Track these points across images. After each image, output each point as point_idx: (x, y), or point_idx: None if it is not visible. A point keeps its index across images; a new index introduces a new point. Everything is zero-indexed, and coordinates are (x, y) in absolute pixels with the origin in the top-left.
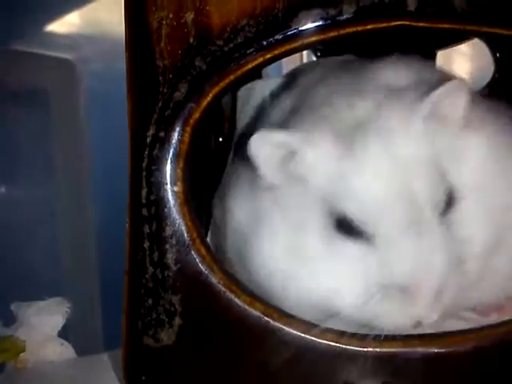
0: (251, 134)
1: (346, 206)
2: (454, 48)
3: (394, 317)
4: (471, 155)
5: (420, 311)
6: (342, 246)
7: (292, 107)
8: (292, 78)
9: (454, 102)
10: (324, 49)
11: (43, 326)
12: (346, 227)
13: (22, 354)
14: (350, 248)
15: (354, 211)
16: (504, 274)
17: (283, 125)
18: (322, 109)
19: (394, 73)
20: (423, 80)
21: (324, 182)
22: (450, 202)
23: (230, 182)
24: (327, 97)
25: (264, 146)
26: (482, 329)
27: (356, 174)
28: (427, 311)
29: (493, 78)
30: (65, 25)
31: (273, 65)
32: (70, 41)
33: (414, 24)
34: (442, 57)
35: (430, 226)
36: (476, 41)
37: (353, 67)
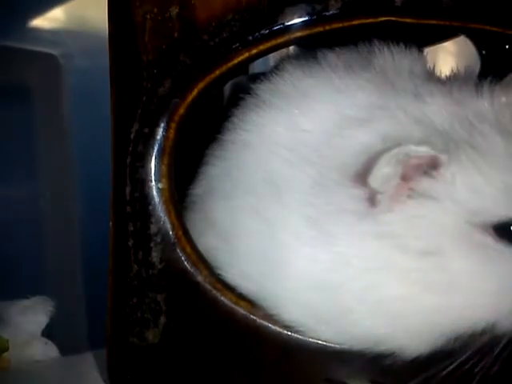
0: None
1: (506, 211)
2: (440, 45)
3: None
4: None
5: None
6: (505, 256)
7: (355, 100)
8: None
9: None
10: (310, 44)
11: (27, 324)
12: (507, 236)
13: (5, 354)
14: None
15: None
16: None
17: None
18: (384, 99)
19: (411, 59)
20: None
21: (466, 193)
22: None
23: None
24: (379, 85)
25: (391, 163)
26: None
27: (505, 172)
28: None
29: (478, 75)
30: (49, 20)
31: (260, 60)
32: (54, 36)
33: (401, 20)
34: (427, 54)
35: None
36: (462, 38)
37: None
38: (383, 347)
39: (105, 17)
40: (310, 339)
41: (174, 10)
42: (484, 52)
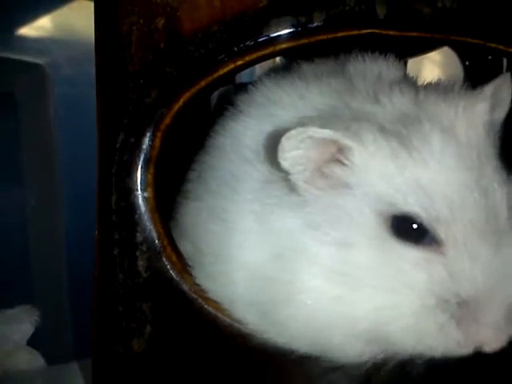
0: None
1: (411, 205)
2: (425, 56)
3: (454, 340)
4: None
5: (486, 333)
6: (399, 253)
7: (314, 104)
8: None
9: (505, 100)
10: (295, 55)
11: (12, 334)
12: (404, 232)
13: None
14: (409, 255)
15: (421, 210)
16: None
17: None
18: (339, 101)
19: (387, 67)
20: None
21: (378, 182)
22: None
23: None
24: (340, 89)
25: (298, 146)
26: None
27: (424, 167)
28: (495, 334)
29: (462, 86)
30: (35, 29)
31: (246, 70)
32: (40, 45)
33: (384, 32)
34: (412, 64)
35: (506, 236)
36: (446, 49)
37: (343, 66)
38: (315, 347)
39: (91, 26)
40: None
41: (160, 22)
42: (467, 63)
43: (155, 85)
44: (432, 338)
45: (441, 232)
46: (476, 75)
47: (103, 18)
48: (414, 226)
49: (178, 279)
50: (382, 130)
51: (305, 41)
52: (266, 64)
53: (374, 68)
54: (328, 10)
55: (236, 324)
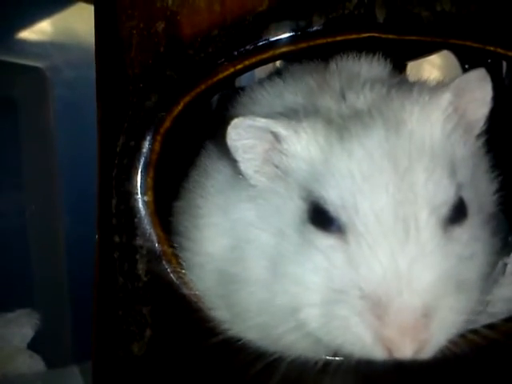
0: None
1: (324, 190)
2: (425, 59)
3: (354, 333)
4: (482, 180)
5: (392, 336)
6: (312, 240)
7: (287, 102)
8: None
9: (479, 95)
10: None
11: (12, 337)
12: (320, 219)
13: None
14: (319, 242)
15: (331, 195)
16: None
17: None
18: (310, 99)
19: (370, 66)
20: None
21: (307, 170)
22: (459, 214)
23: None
24: (314, 88)
25: (244, 136)
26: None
27: (347, 158)
28: (401, 339)
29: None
30: (36, 33)
31: (246, 74)
32: (40, 49)
33: (383, 36)
34: (412, 67)
35: (424, 229)
36: (446, 52)
37: (327, 66)
38: (267, 338)
39: (91, 30)
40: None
41: (160, 26)
42: (467, 66)
43: (155, 88)
44: (337, 331)
45: (344, 220)
46: None
47: (103, 22)
48: (324, 212)
49: (177, 283)
50: (329, 123)
51: (304, 45)
52: (267, 68)
53: (353, 67)
54: (327, 14)
55: None
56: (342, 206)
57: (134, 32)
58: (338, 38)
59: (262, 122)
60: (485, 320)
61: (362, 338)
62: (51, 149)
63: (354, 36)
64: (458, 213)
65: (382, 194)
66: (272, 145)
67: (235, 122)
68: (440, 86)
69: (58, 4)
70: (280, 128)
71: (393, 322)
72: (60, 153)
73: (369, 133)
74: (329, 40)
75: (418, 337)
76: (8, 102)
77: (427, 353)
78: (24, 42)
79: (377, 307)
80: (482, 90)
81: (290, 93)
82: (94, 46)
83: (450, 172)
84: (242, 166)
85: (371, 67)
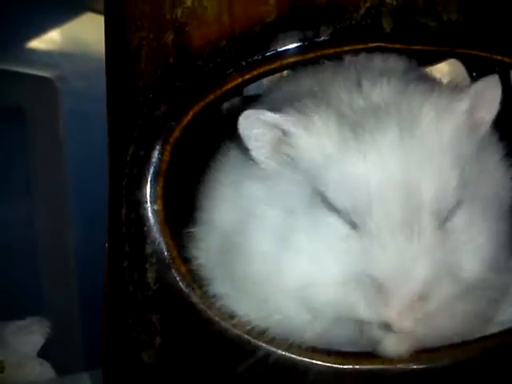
0: None
1: (335, 194)
2: (434, 67)
3: (366, 311)
4: (490, 170)
5: (391, 314)
6: (328, 222)
7: (291, 94)
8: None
9: (491, 101)
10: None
11: (22, 345)
12: (334, 207)
13: (1, 374)
14: (335, 226)
15: (343, 199)
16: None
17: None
18: (324, 94)
19: (386, 59)
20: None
21: (317, 166)
22: (455, 208)
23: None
24: (330, 83)
25: (256, 125)
26: (458, 345)
27: (354, 160)
28: (399, 316)
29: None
30: (45, 43)
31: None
32: (49, 59)
33: (390, 45)
34: None
35: (424, 230)
36: (453, 61)
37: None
38: (267, 316)
39: (100, 39)
40: (305, 359)
41: (170, 37)
42: (474, 74)
43: (164, 99)
44: (346, 310)
45: (357, 220)
46: None
47: (113, 33)
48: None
49: (187, 291)
50: (341, 116)
51: (312, 55)
52: (275, 77)
53: (368, 60)
54: (334, 24)
55: (245, 335)
56: (354, 210)
57: (144, 43)
58: (346, 48)
59: (271, 117)
60: (494, 328)
61: (367, 318)
62: (61, 158)
63: (361, 46)
64: (455, 208)
65: (393, 201)
66: (281, 138)
67: (246, 113)
68: (458, 92)
69: (67, 14)
70: (289, 125)
71: (397, 306)
72: (69, 162)
73: (383, 133)
74: (336, 50)
75: (416, 317)
76: (17, 111)
77: (422, 329)
78: (33, 51)
79: (384, 295)
80: (494, 96)
81: (309, 79)
82: (103, 56)
83: (455, 177)
84: (253, 153)
85: (387, 60)
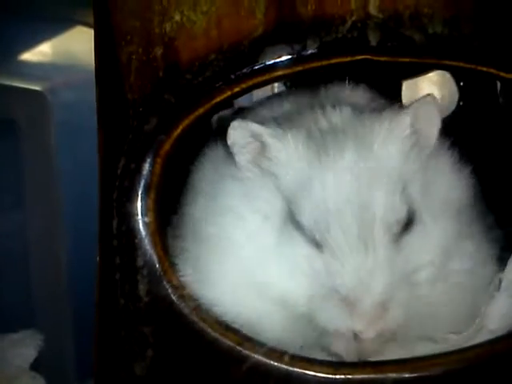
0: None
1: (300, 210)
2: (424, 76)
3: (335, 322)
4: (438, 184)
5: (357, 324)
6: (295, 242)
7: (275, 112)
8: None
9: (431, 117)
10: (293, 80)
11: (15, 358)
12: (298, 225)
13: None
14: (301, 245)
15: (306, 216)
16: (451, 301)
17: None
18: (299, 116)
19: (355, 94)
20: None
21: (288, 180)
22: (408, 224)
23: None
24: (301, 107)
25: (242, 135)
26: (451, 353)
27: (316, 180)
28: (364, 326)
29: (457, 105)
30: (35, 55)
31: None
32: (40, 71)
33: (376, 58)
34: (409, 84)
35: (378, 244)
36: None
37: (317, 91)
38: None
39: (91, 52)
40: (297, 369)
41: (159, 51)
42: (461, 83)
43: (154, 112)
44: (318, 321)
45: (319, 238)
46: (470, 95)
47: (103, 48)
48: (301, 227)
49: (178, 303)
50: (309, 135)
51: (300, 68)
52: (265, 90)
53: (339, 92)
54: (321, 37)
55: (237, 347)
56: (316, 228)
57: (134, 57)
58: (333, 61)
59: (254, 127)
60: (484, 337)
61: (338, 326)
62: (52, 170)
63: (348, 59)
64: (408, 223)
65: (349, 218)
66: (261, 149)
67: (235, 122)
68: (402, 110)
69: (58, 27)
70: (267, 136)
71: (359, 317)
72: (62, 174)
73: (341, 156)
74: (323, 63)
75: (380, 326)
76: (9, 124)
77: (386, 334)
78: (24, 64)
79: (348, 307)
80: (434, 112)
81: (289, 103)
82: (93, 69)
83: (403, 191)
84: (237, 158)
85: (354, 93)
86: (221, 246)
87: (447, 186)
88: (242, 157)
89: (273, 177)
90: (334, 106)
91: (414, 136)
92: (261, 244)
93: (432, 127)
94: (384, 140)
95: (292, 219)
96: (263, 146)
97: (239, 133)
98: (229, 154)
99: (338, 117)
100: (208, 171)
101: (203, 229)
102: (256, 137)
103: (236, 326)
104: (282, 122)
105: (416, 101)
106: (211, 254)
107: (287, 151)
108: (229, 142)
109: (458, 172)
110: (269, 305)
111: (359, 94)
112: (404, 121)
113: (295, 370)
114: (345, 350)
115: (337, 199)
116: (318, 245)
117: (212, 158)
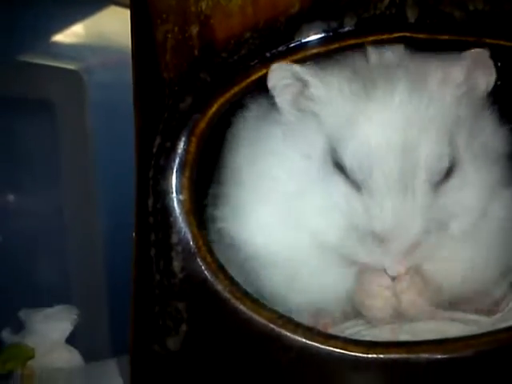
0: None
1: (342, 150)
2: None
3: (366, 257)
4: (484, 134)
5: (387, 260)
6: (335, 180)
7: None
8: None
9: (487, 66)
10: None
11: (51, 332)
12: (339, 165)
13: (29, 361)
14: (340, 184)
15: (348, 157)
16: (486, 249)
17: None
18: (341, 57)
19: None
20: None
21: (331, 119)
22: (448, 172)
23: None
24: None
25: (282, 77)
26: (483, 335)
27: (361, 119)
28: (394, 262)
29: (495, 86)
30: (70, 35)
31: None
32: (75, 51)
33: (415, 36)
34: None
35: (418, 190)
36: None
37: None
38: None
39: (125, 32)
40: (329, 347)
41: (194, 29)
42: (500, 64)
43: (190, 91)
44: (352, 253)
45: (358, 177)
46: (509, 76)
47: (139, 27)
48: (342, 167)
49: (212, 279)
50: (355, 70)
51: (336, 45)
52: None
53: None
54: (359, 14)
55: (271, 324)
56: (358, 169)
57: (169, 36)
58: (370, 39)
59: (293, 67)
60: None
61: (370, 262)
62: (89, 150)
63: (385, 36)
64: (449, 171)
65: (392, 161)
66: (302, 90)
67: (274, 66)
68: (460, 55)
69: (92, 7)
70: (307, 75)
71: (392, 255)
72: (97, 153)
73: (392, 92)
74: (360, 40)
75: (408, 264)
76: (45, 104)
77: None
78: (59, 45)
79: (382, 246)
80: (489, 62)
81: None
82: (127, 49)
83: (451, 139)
84: (278, 100)
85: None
86: (262, 185)
87: (490, 134)
88: (283, 98)
89: (315, 117)
90: (384, 48)
91: (469, 82)
92: (301, 181)
93: (487, 76)
94: (439, 82)
95: (333, 158)
96: (304, 86)
97: (279, 74)
98: (270, 101)
99: (390, 53)
100: (250, 119)
101: (244, 172)
102: (296, 76)
103: (275, 268)
104: (324, 63)
105: (472, 50)
106: (252, 194)
107: (329, 88)
108: (269, 84)
109: (499, 124)
110: (306, 242)
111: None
112: (462, 65)
113: (328, 348)
114: (380, 302)
115: (381, 141)
116: (357, 186)
117: (254, 108)
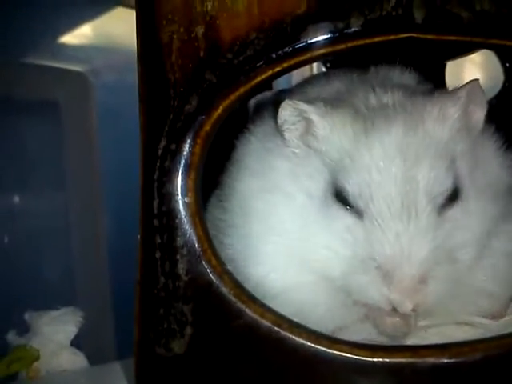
0: None
1: (346, 183)
2: (467, 58)
3: (371, 294)
4: (484, 166)
5: (393, 296)
6: (337, 213)
7: (321, 92)
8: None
9: (480, 100)
10: (333, 60)
11: (56, 335)
12: (342, 198)
13: (35, 363)
14: (342, 216)
15: (350, 184)
16: (490, 281)
17: None
18: (347, 94)
19: (402, 74)
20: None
21: (334, 153)
22: (452, 199)
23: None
24: (350, 87)
25: (291, 114)
26: (490, 339)
27: (361, 152)
28: (402, 298)
29: (503, 87)
30: (77, 37)
31: (283, 76)
32: (81, 53)
33: (422, 36)
34: (453, 66)
35: (421, 213)
36: (486, 50)
37: (366, 71)
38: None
39: (131, 33)
40: (334, 351)
41: (200, 30)
42: (507, 64)
43: (195, 92)
44: (357, 291)
45: (360, 203)
46: None
47: (144, 28)
48: (345, 197)
49: (217, 282)
50: (357, 112)
51: (342, 46)
52: (304, 70)
53: (388, 72)
54: (365, 15)
55: (275, 327)
56: (359, 196)
57: (175, 37)
58: (376, 39)
59: (301, 105)
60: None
61: (375, 300)
62: (94, 151)
63: (392, 37)
64: (452, 198)
65: (392, 187)
66: (308, 127)
67: (284, 103)
68: (455, 91)
69: (99, 9)
70: (312, 114)
71: (399, 288)
72: (103, 155)
73: (389, 128)
74: (367, 41)
75: (418, 299)
76: (52, 105)
77: (422, 308)
78: (66, 46)
79: (387, 277)
80: (482, 96)
81: (339, 81)
82: (134, 50)
83: (449, 167)
84: (286, 136)
85: (402, 74)
86: (269, 222)
87: (492, 168)
88: (291, 135)
89: (318, 153)
90: (384, 86)
91: (464, 117)
92: (304, 221)
93: (481, 110)
94: (435, 119)
95: (335, 190)
96: (309, 124)
97: (289, 112)
98: (276, 131)
99: (389, 96)
100: (255, 147)
101: (251, 204)
102: (303, 116)
103: (281, 303)
104: (329, 101)
105: (466, 84)
106: (260, 231)
107: (333, 128)
108: (279, 121)
109: (503, 156)
110: (311, 280)
111: (408, 76)
112: (457, 102)
113: (333, 352)
114: (391, 325)
115: (382, 168)
116: (359, 214)
117: (258, 134)
